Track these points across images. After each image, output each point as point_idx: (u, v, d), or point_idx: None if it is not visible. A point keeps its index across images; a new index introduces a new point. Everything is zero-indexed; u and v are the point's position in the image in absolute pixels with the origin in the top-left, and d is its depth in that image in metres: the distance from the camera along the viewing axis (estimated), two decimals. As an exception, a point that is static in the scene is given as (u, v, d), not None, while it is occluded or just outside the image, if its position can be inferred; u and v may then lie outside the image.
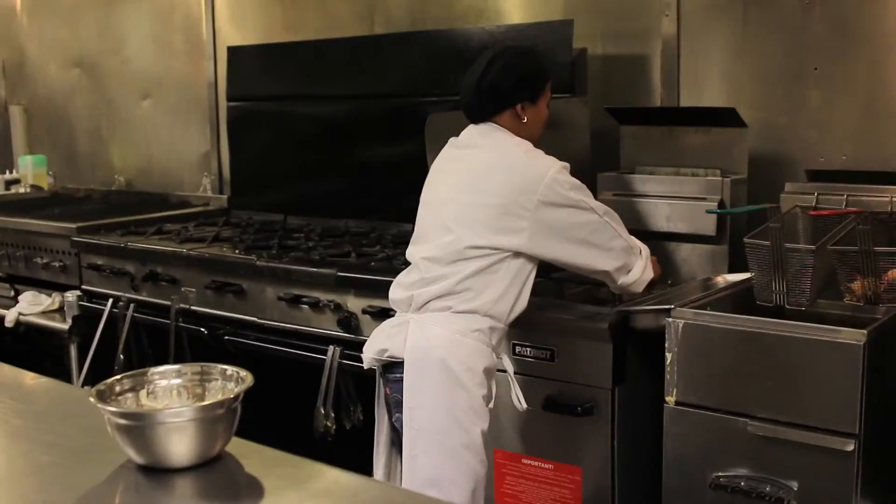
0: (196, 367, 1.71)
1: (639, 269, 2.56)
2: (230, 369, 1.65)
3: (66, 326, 3.93)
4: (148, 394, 1.65)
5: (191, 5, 4.78)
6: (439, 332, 2.39)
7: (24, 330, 4.13)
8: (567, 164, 2.48)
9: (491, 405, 2.46)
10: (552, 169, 2.43)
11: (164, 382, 1.66)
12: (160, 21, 4.95)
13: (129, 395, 1.63)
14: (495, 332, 2.45)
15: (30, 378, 2.16)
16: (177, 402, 1.65)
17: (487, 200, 2.42)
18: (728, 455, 2.36)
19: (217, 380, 1.65)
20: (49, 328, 4.02)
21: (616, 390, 2.55)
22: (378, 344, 2.48)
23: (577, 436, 2.61)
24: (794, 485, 2.27)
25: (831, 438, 2.20)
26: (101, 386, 1.59)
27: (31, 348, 4.29)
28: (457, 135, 2.92)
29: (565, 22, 3.29)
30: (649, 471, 2.54)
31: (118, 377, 1.63)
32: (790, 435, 2.26)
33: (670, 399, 2.42)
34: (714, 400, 2.37)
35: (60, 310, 4.03)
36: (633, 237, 2.59)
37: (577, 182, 2.47)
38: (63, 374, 3.99)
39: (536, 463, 2.69)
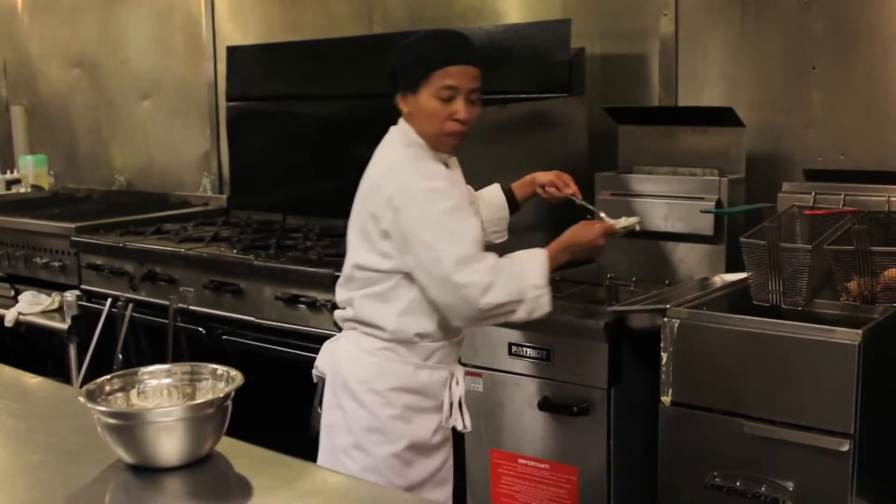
0: (186, 366, 1.71)
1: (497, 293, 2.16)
2: (220, 369, 1.65)
3: (65, 326, 3.94)
4: (138, 393, 1.65)
5: (190, 5, 4.78)
6: (346, 350, 2.30)
7: (25, 330, 4.13)
8: (436, 185, 2.18)
9: (443, 422, 2.31)
10: (399, 186, 2.19)
11: (154, 382, 1.66)
12: (160, 21, 4.96)
13: (120, 394, 1.63)
14: (416, 348, 2.25)
15: (26, 378, 2.17)
16: (167, 401, 1.65)
17: (358, 217, 2.28)
18: (723, 455, 2.35)
19: (207, 379, 1.65)
20: (49, 328, 4.02)
21: (612, 390, 2.55)
22: (317, 359, 2.42)
23: (574, 435, 2.61)
24: (790, 485, 2.27)
25: (827, 438, 2.20)
26: (91, 386, 1.59)
27: (32, 348, 4.29)
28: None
29: (563, 21, 3.29)
30: (645, 470, 2.53)
31: (108, 377, 1.63)
32: (786, 435, 2.26)
33: (666, 399, 2.42)
34: (709, 400, 2.37)
35: (60, 309, 4.03)
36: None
37: (436, 197, 2.18)
38: (64, 374, 4.00)
39: (533, 463, 2.69)
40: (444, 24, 3.81)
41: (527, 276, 2.21)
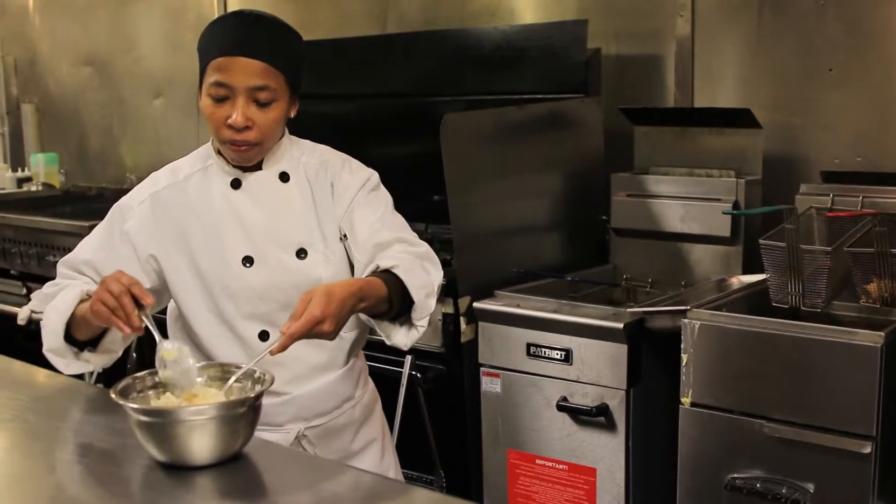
0: (217, 365, 1.71)
1: None
2: (251, 367, 1.65)
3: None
4: (167, 392, 1.65)
5: (203, 4, 4.78)
6: None
7: (35, 327, 4.12)
8: (120, 203, 2.08)
9: None
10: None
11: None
12: (172, 20, 4.95)
13: (151, 392, 1.63)
14: None
15: (43, 376, 2.17)
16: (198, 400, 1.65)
17: None
18: (744, 456, 2.36)
19: (238, 379, 1.64)
20: (61, 326, 4.01)
21: (631, 391, 2.54)
22: None
23: (592, 436, 2.61)
24: (811, 487, 2.27)
25: (848, 440, 2.20)
26: (123, 383, 1.59)
27: (41, 345, 4.28)
28: (473, 135, 2.92)
29: (580, 22, 3.28)
30: (664, 472, 2.53)
31: (139, 374, 1.63)
32: (806, 437, 2.26)
33: (686, 400, 2.42)
34: (730, 401, 2.37)
35: (72, 307, 4.02)
36: None
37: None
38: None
39: (550, 464, 2.68)
40: (459, 24, 3.81)
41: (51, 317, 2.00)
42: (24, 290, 4.31)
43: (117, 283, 1.68)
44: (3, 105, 5.80)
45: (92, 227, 3.96)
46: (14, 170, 5.40)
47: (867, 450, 2.17)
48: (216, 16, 4.68)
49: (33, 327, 4.12)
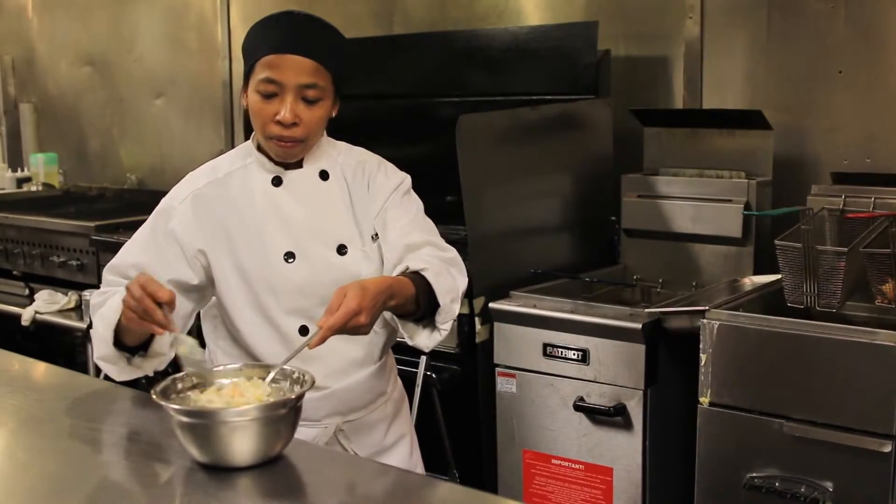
0: (262, 366, 1.70)
1: None
2: (288, 368, 1.65)
3: (83, 325, 3.92)
4: (207, 392, 1.65)
5: (204, 4, 4.77)
6: None
7: (35, 328, 4.12)
8: (164, 203, 2.03)
9: None
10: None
11: (225, 381, 1.66)
12: (174, 20, 4.94)
13: (190, 392, 1.63)
14: None
15: (66, 376, 2.17)
16: (238, 401, 1.64)
17: None
18: (762, 456, 2.37)
19: (278, 380, 1.65)
20: (65, 326, 4.00)
21: (648, 391, 2.56)
22: None
23: (609, 436, 2.62)
24: (830, 486, 2.29)
25: (868, 439, 2.22)
26: (163, 383, 1.59)
27: (42, 346, 4.27)
28: (487, 135, 2.94)
29: (590, 24, 3.30)
30: (681, 472, 2.55)
31: (179, 375, 1.63)
32: (826, 436, 2.28)
33: (704, 400, 2.43)
34: (748, 401, 2.38)
35: (76, 308, 4.01)
36: None
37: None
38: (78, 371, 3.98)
39: (567, 463, 2.70)
40: (465, 26, 3.82)
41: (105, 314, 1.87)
42: (27, 291, 4.29)
43: (135, 286, 1.68)
44: (1, 105, 5.77)
45: (97, 228, 4.02)
46: (13, 170, 5.38)
47: (887, 448, 2.20)
48: (218, 16, 4.69)
49: (33, 328, 4.13)
